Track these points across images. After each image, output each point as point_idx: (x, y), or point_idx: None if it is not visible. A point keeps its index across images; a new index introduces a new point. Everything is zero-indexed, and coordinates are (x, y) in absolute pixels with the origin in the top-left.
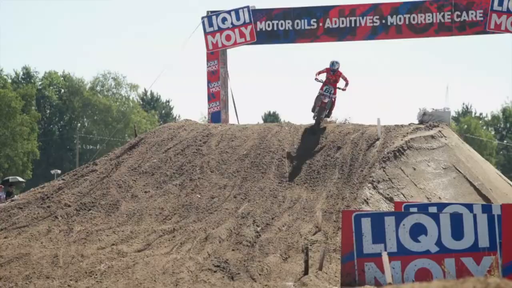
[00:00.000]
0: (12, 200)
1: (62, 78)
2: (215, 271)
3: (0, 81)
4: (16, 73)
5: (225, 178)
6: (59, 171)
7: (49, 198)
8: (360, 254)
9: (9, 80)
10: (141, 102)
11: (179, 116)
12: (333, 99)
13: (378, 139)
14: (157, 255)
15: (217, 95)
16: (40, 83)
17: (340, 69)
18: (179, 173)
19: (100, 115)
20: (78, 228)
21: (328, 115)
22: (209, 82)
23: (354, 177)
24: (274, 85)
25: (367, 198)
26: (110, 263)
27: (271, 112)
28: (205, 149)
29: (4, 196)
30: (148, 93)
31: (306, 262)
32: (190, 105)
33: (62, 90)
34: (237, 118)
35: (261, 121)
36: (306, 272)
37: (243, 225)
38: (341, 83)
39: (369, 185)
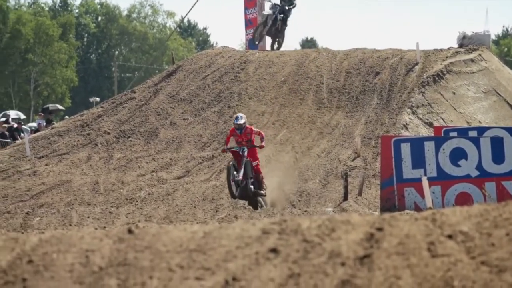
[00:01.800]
0: (52, 128)
1: (98, 6)
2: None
3: (37, 9)
4: (53, 1)
5: (263, 104)
6: (97, 99)
7: (88, 125)
8: (399, 179)
9: (46, 8)
10: (178, 30)
11: (216, 43)
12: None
13: (417, 64)
14: (197, 182)
15: (254, 21)
16: (76, 11)
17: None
18: (217, 100)
19: (137, 43)
20: (117, 155)
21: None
22: (246, 8)
23: (393, 103)
24: (312, 10)
25: (406, 123)
26: (150, 189)
27: (309, 38)
28: (242, 76)
29: (44, 123)
30: (185, 21)
31: (346, 188)
32: (227, 32)
33: (99, 18)
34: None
35: (299, 48)
36: (345, 197)
37: (282, 152)
38: (256, 141)
39: (408, 110)
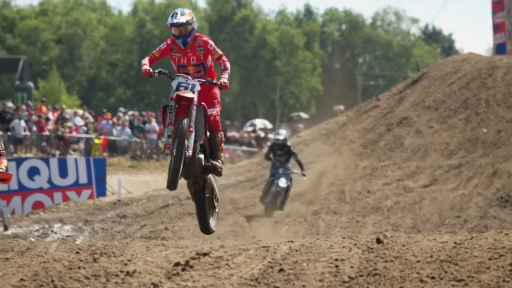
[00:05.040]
0: (298, 137)
1: (343, 14)
2: (504, 207)
3: (284, 19)
4: (297, 10)
5: None
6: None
7: (333, 134)
8: None
9: (292, 18)
10: (423, 36)
11: (462, 49)
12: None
13: None
14: (444, 191)
15: (502, 26)
16: (320, 19)
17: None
18: (463, 107)
19: (382, 50)
20: (363, 164)
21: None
22: (493, 13)
23: None
24: None
25: None
26: (397, 198)
27: None
28: (490, 82)
29: (290, 132)
30: (430, 27)
31: None
32: (473, 38)
33: (343, 26)
34: None
35: None
36: None
37: None
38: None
39: None
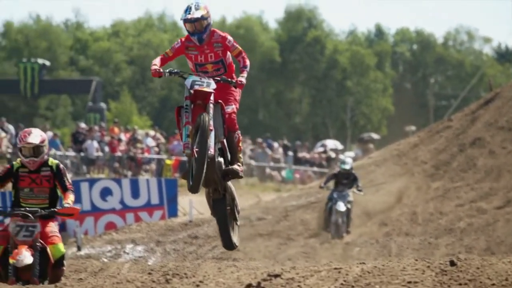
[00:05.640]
0: (369, 157)
1: (414, 34)
2: None
3: (355, 39)
4: (368, 31)
5: None
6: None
7: (405, 155)
8: None
9: (363, 38)
10: (495, 56)
11: None
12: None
13: None
14: None
15: None
16: (392, 39)
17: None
18: None
19: (454, 70)
20: (435, 185)
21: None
22: None
23: None
24: None
25: None
26: (470, 220)
27: None
28: None
29: (361, 153)
30: (503, 46)
31: None
32: None
33: (415, 46)
34: None
35: None
36: None
37: None
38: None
39: None
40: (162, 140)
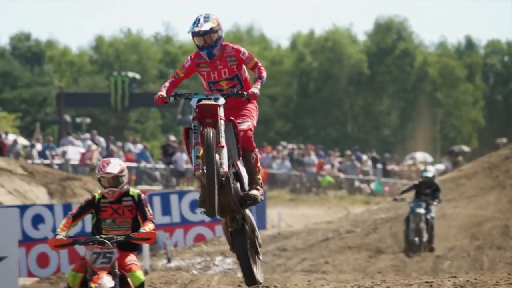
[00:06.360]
0: (460, 170)
1: (505, 46)
2: None
3: (444, 50)
4: (458, 43)
5: None
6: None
7: (496, 167)
8: None
9: (452, 50)
10: None
11: None
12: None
13: None
14: None
15: None
16: (482, 51)
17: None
18: None
19: None
20: None
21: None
22: None
23: None
24: None
25: None
26: None
27: None
28: None
29: (451, 166)
30: None
31: None
32: None
33: (506, 58)
34: None
35: None
36: None
37: None
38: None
39: None
40: None
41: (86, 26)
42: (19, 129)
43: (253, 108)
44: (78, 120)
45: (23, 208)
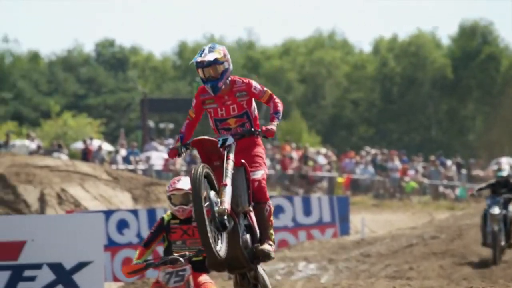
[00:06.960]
0: None
1: None
2: None
3: None
4: None
5: None
6: None
7: None
8: None
9: None
10: None
11: None
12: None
13: None
14: None
15: None
16: None
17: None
18: None
19: None
20: None
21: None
22: None
23: None
24: None
25: None
26: None
27: None
28: None
29: None
30: None
31: None
32: None
33: None
34: None
35: None
36: None
37: None
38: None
39: None
40: (334, 158)
41: (169, 32)
42: (103, 135)
43: (262, 153)
44: (162, 125)
45: (108, 213)
